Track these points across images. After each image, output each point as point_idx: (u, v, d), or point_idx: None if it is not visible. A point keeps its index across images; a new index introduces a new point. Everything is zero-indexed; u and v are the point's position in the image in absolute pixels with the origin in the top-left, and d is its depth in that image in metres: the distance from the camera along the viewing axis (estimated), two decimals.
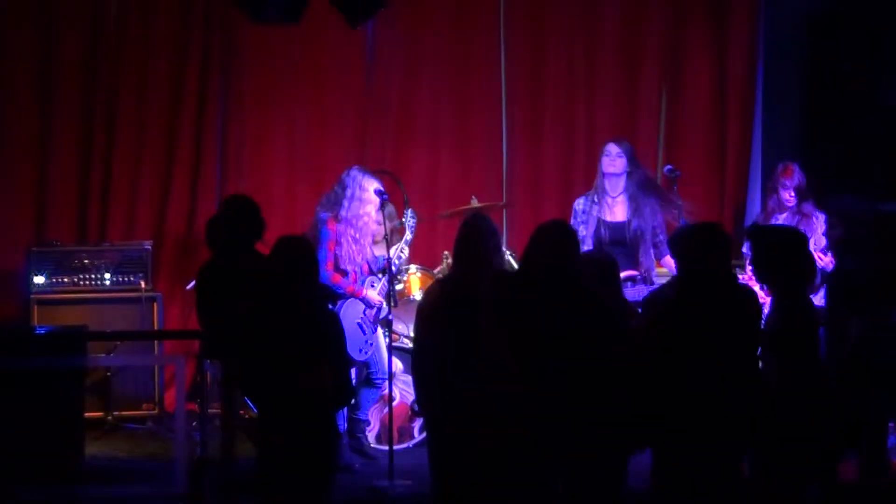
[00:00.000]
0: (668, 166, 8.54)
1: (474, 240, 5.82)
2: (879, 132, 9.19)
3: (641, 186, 7.81)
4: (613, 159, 7.83)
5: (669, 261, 7.84)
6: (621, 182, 7.83)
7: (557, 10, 9.71)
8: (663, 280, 7.74)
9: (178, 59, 9.36)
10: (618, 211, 7.82)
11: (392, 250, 7.70)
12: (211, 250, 7.04)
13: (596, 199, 7.83)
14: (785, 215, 8.06)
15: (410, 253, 8.05)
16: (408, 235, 7.83)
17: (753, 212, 9.09)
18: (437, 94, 9.67)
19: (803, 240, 5.90)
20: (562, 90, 9.73)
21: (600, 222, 7.77)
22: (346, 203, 7.70)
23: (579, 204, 7.90)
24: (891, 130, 9.16)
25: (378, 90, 9.61)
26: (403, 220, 7.86)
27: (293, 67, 9.49)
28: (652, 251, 7.76)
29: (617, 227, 7.76)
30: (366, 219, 7.69)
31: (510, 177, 9.72)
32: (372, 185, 7.69)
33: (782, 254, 5.71)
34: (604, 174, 7.85)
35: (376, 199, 7.69)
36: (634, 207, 7.76)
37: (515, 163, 9.74)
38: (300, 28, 8.56)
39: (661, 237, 7.78)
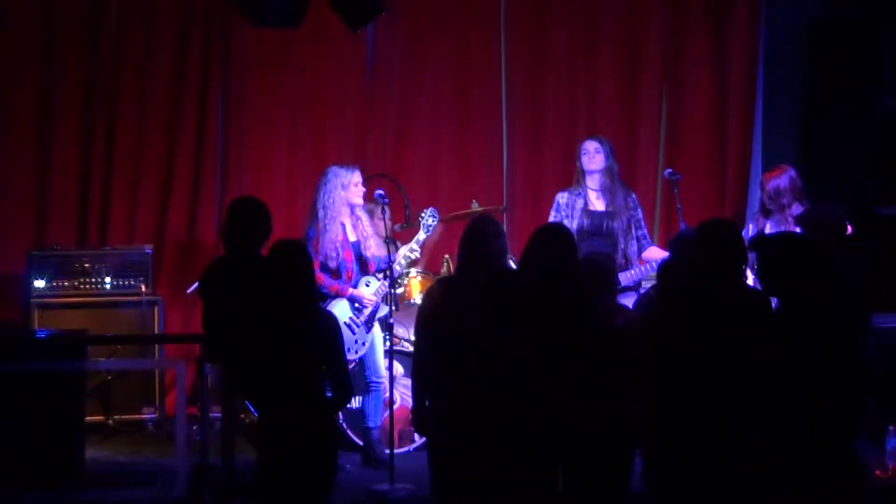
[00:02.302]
0: (669, 169, 8.55)
1: (477, 241, 5.81)
2: (879, 135, 9.19)
3: (615, 179, 8.05)
4: (592, 156, 8.03)
5: (651, 254, 7.90)
6: (599, 177, 8.03)
7: (558, 13, 9.72)
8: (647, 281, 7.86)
9: (178, 61, 9.37)
10: (598, 203, 8.02)
11: (402, 249, 7.76)
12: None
13: (579, 193, 8.02)
14: (770, 222, 8.06)
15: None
16: (420, 235, 7.84)
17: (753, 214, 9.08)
18: (437, 98, 9.68)
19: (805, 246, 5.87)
20: (562, 93, 9.74)
21: (583, 211, 7.93)
22: (319, 200, 7.72)
23: (562, 197, 8.08)
24: (891, 133, 9.16)
25: (378, 93, 9.62)
26: (420, 217, 7.87)
27: (294, 71, 9.50)
28: (634, 244, 7.98)
29: (597, 216, 7.95)
30: (333, 210, 7.68)
31: (510, 180, 9.73)
32: (340, 178, 7.71)
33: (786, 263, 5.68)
34: (584, 171, 8.03)
35: (351, 193, 7.70)
36: (609, 199, 7.98)
37: (516, 166, 9.75)
38: (301, 31, 8.58)
39: (643, 231, 8.06)
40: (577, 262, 5.79)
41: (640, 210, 8.08)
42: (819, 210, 7.54)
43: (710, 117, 9.77)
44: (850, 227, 7.69)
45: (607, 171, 8.01)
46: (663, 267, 6.07)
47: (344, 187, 7.73)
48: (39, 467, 6.96)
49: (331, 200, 7.72)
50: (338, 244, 7.70)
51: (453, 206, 9.06)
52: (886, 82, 9.21)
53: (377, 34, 9.55)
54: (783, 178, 8.01)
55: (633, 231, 7.99)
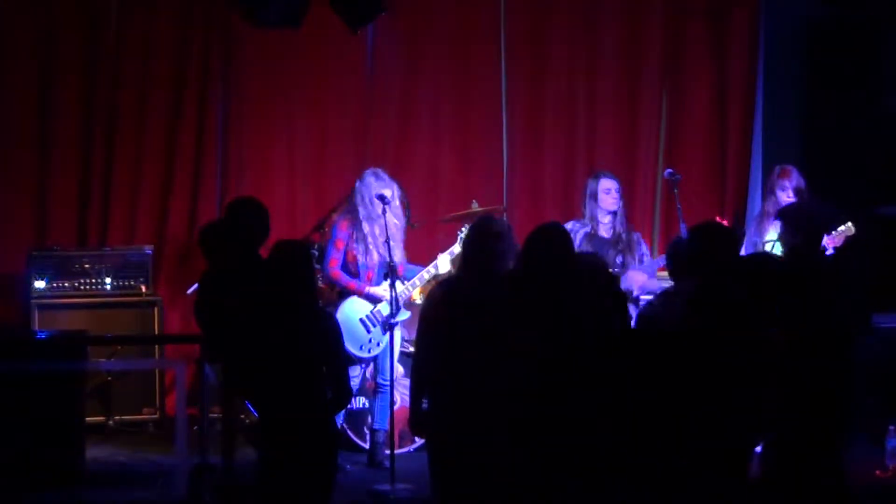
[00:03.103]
0: (669, 170, 8.55)
1: (479, 243, 5.81)
2: (879, 135, 9.19)
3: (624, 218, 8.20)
4: (614, 196, 8.13)
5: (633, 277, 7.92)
6: (612, 217, 8.14)
7: (558, 13, 9.72)
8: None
9: (178, 62, 9.37)
10: (604, 231, 8.12)
11: (441, 257, 7.87)
12: (206, 256, 7.01)
13: (586, 224, 8.12)
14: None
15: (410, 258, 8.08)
16: (456, 247, 7.86)
17: (754, 214, 9.09)
18: (437, 98, 9.68)
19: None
20: (562, 93, 9.74)
21: (587, 236, 8.02)
22: (358, 207, 7.75)
23: (568, 224, 8.08)
24: (890, 133, 9.16)
25: (378, 94, 9.62)
26: (460, 232, 7.89)
27: (294, 71, 9.50)
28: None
29: (599, 242, 8.03)
30: (376, 220, 7.72)
31: (510, 180, 9.73)
32: (388, 186, 7.74)
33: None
34: (601, 209, 8.11)
35: (393, 202, 7.74)
36: (616, 233, 8.09)
37: (516, 166, 9.75)
38: (301, 32, 8.58)
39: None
40: (576, 262, 5.78)
41: (643, 245, 8.19)
42: (806, 205, 7.55)
43: (711, 117, 9.77)
44: (853, 229, 7.69)
45: (620, 211, 8.14)
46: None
47: (380, 195, 7.75)
48: (40, 467, 6.96)
49: (369, 204, 7.74)
50: (368, 246, 7.73)
51: (453, 206, 9.05)
52: (886, 82, 9.21)
53: (377, 35, 9.55)
54: (797, 177, 8.06)
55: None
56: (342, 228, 7.82)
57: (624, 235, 8.09)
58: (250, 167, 9.50)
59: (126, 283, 8.84)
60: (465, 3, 9.67)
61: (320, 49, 9.43)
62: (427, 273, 7.91)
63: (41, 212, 9.25)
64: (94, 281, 8.80)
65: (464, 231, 7.88)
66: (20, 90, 9.23)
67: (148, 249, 8.97)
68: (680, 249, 6.17)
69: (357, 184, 7.88)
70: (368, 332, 7.75)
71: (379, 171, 7.97)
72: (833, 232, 7.71)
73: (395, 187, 7.87)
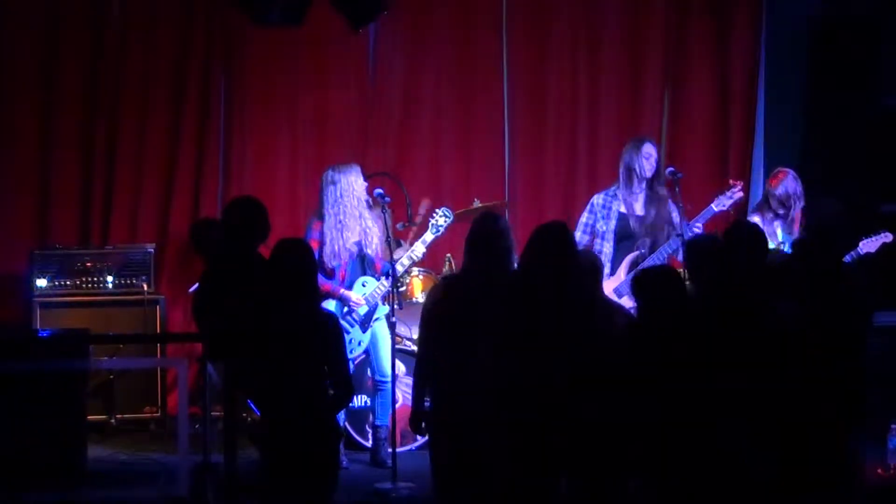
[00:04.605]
0: (670, 168, 8.53)
1: (481, 240, 5.81)
2: (880, 134, 9.20)
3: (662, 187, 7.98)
4: (652, 163, 7.96)
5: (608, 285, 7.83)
6: (646, 182, 7.97)
7: (560, 11, 9.72)
8: None
9: (180, 61, 9.38)
10: (637, 206, 7.95)
11: (409, 250, 7.81)
12: (198, 251, 7.01)
13: (617, 195, 7.94)
14: (779, 222, 8.08)
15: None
16: (428, 235, 7.82)
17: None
18: (439, 97, 9.69)
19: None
20: (564, 92, 9.75)
21: (622, 217, 7.87)
22: (324, 203, 7.72)
23: (598, 198, 8.01)
24: (892, 132, 9.16)
25: (380, 93, 9.63)
26: (431, 217, 7.85)
27: (295, 70, 9.51)
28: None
29: (637, 219, 7.89)
30: (345, 212, 7.70)
31: (512, 178, 9.74)
32: (346, 178, 7.70)
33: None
34: (640, 175, 7.92)
35: (359, 192, 7.71)
36: (653, 201, 7.89)
37: (517, 164, 9.76)
38: (302, 30, 8.59)
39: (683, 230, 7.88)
40: (578, 262, 5.79)
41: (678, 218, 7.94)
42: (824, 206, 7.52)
43: (712, 117, 9.78)
44: (891, 237, 7.67)
45: (658, 177, 7.98)
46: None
47: (344, 190, 7.72)
48: (41, 466, 6.96)
49: (333, 203, 7.71)
50: (339, 246, 7.71)
51: (455, 204, 9.03)
52: (886, 82, 9.22)
53: (379, 33, 9.56)
54: (790, 182, 8.05)
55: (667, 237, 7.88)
56: (315, 228, 7.76)
57: (665, 210, 7.88)
58: (252, 166, 9.51)
59: (128, 282, 8.85)
60: (466, 1, 9.68)
61: (322, 48, 9.44)
62: (401, 265, 7.85)
63: (43, 210, 9.26)
64: (95, 279, 8.81)
65: (436, 216, 7.84)
66: (22, 89, 9.23)
67: (150, 248, 8.97)
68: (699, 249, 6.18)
69: (330, 182, 7.77)
70: (347, 332, 7.72)
71: (349, 167, 7.89)
72: (868, 238, 7.73)
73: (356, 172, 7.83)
